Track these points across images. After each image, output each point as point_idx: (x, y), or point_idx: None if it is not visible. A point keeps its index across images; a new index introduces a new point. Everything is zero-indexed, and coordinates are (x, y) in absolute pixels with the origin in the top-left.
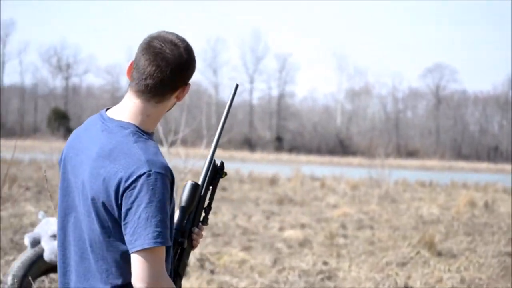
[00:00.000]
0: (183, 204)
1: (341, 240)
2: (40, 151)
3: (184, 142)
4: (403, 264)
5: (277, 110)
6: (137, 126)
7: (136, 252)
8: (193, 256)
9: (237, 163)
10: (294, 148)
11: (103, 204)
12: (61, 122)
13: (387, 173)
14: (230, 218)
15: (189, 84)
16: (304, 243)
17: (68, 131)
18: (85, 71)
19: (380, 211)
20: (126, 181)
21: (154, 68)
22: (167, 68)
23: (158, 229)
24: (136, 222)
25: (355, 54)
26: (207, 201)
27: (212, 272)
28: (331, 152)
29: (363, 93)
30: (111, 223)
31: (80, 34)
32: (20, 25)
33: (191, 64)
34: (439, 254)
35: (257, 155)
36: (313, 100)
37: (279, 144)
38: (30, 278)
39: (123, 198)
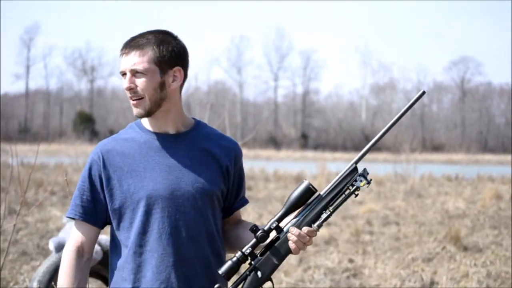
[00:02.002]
0: (286, 201)
1: (366, 237)
2: (66, 154)
3: None
4: (429, 260)
5: (302, 108)
6: (139, 121)
7: None
8: None
9: (263, 162)
10: (319, 145)
11: None
12: (87, 125)
13: (412, 168)
14: (256, 217)
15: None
16: (329, 241)
17: (94, 134)
18: (110, 74)
19: (405, 206)
20: None
21: None
22: None
23: (71, 203)
24: None
25: (379, 49)
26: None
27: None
28: (357, 148)
29: (388, 88)
30: None
31: (105, 37)
32: (45, 28)
33: None
34: (465, 248)
35: (283, 153)
36: (337, 97)
37: (305, 141)
38: (53, 283)
39: None
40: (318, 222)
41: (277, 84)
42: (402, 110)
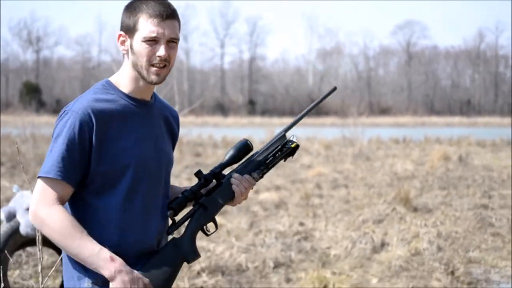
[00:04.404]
0: (226, 153)
1: (316, 200)
2: (13, 126)
3: None
4: (379, 221)
5: (249, 74)
6: (109, 80)
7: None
8: None
9: (210, 129)
10: (267, 111)
11: None
12: (33, 95)
13: (360, 132)
14: None
15: (121, 33)
16: (279, 205)
17: (40, 104)
18: (55, 43)
19: (354, 169)
20: None
21: None
22: None
23: (49, 162)
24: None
25: (325, 14)
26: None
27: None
28: None
29: (334, 53)
30: None
31: (50, 6)
32: None
33: (123, 12)
34: (415, 209)
35: (230, 119)
36: (284, 62)
37: (252, 107)
38: (6, 252)
39: None
40: (258, 171)
41: (224, 51)
42: (315, 102)
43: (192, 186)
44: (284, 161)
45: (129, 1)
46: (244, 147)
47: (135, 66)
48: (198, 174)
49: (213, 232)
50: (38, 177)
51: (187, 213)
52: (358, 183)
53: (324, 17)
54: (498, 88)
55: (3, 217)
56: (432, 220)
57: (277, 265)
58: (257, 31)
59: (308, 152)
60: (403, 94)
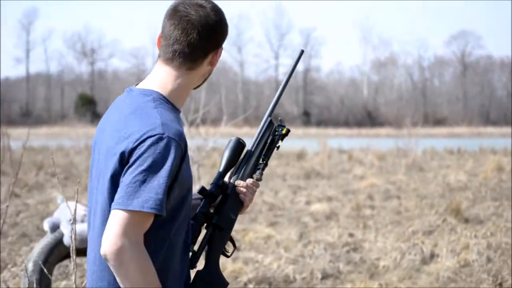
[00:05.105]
0: (222, 159)
1: (367, 211)
2: (68, 137)
3: (204, 121)
4: (429, 233)
5: (303, 85)
6: (161, 94)
7: (117, 209)
8: None
9: None
10: (321, 122)
11: (112, 177)
12: (88, 107)
13: (414, 142)
14: (257, 194)
15: (222, 47)
16: (330, 216)
17: (96, 116)
18: (110, 56)
19: (407, 180)
20: (135, 142)
21: (180, 31)
22: (194, 31)
23: (150, 195)
24: (130, 183)
25: (379, 25)
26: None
27: (237, 249)
28: (359, 124)
29: (388, 64)
30: None
31: (103, 19)
32: (43, 12)
33: (220, 24)
34: (466, 220)
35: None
36: (339, 73)
37: (307, 118)
38: (51, 263)
39: (129, 159)
40: (258, 171)
41: (278, 63)
42: (290, 72)
43: (201, 207)
44: (277, 150)
45: (216, 15)
46: (238, 146)
47: (204, 76)
48: (203, 191)
49: (232, 252)
50: (133, 210)
51: (204, 239)
52: (410, 194)
53: (377, 28)
54: None
55: (47, 227)
56: (483, 231)
57: (324, 277)
58: (311, 42)
59: (361, 163)
60: (458, 104)
